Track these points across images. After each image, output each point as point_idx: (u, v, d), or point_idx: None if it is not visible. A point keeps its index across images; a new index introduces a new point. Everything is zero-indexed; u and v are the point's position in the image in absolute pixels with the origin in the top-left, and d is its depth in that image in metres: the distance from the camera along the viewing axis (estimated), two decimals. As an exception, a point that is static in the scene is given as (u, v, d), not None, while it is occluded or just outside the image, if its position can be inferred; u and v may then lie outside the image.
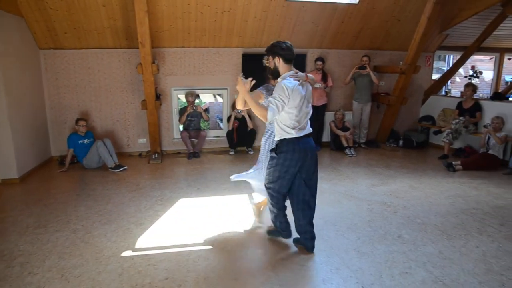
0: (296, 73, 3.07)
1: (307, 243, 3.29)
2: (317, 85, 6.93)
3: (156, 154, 6.56)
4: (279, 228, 3.42)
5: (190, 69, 6.85)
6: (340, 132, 7.04)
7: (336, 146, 7.15)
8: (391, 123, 7.66)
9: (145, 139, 6.91)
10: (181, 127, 7.03)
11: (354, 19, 6.74)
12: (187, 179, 5.49)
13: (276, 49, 3.05)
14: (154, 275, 2.94)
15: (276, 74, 3.17)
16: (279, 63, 3.07)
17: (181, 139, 6.79)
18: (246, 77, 3.14)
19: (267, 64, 3.24)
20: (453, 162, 6.01)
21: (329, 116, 7.37)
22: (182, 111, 6.83)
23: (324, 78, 7.01)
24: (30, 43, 5.95)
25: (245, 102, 3.12)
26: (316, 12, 6.48)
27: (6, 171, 5.24)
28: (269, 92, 3.32)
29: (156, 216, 4.09)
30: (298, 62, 7.16)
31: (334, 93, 7.56)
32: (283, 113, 2.97)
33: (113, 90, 6.63)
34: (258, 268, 3.06)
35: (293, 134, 3.03)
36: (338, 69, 7.47)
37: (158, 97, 6.47)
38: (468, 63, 11.88)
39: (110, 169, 5.80)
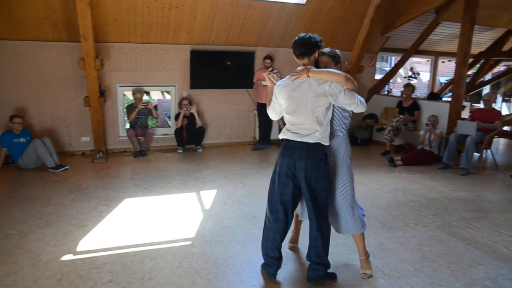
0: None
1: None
2: (265, 83, 6.99)
3: (101, 153, 6.30)
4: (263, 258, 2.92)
5: (137, 65, 6.65)
6: (288, 130, 7.16)
7: (284, 143, 7.26)
8: (336, 121, 7.90)
9: (88, 138, 6.60)
10: (127, 125, 6.81)
11: (302, 19, 6.90)
12: (134, 178, 5.34)
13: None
14: (97, 278, 2.83)
15: None
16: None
17: (127, 137, 6.57)
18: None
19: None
20: (394, 158, 6.34)
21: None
22: (130, 108, 6.61)
23: (273, 77, 7.09)
24: (-43, 34, 5.48)
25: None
26: (265, 11, 6.54)
27: None
28: None
29: (99, 217, 3.94)
30: (246, 60, 7.20)
31: (283, 92, 7.67)
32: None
33: (53, 85, 6.27)
34: (204, 267, 3.04)
35: (288, 134, 2.73)
36: (286, 67, 7.57)
37: (102, 93, 6.21)
38: (408, 65, 12.57)
39: (50, 169, 5.49)
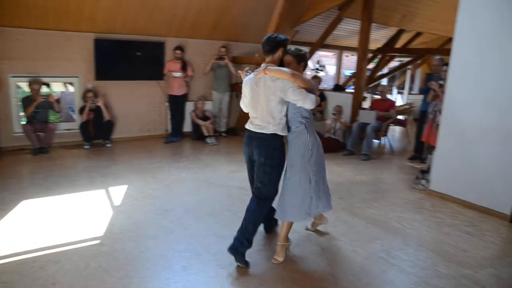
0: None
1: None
2: (177, 74, 6.87)
3: (-8, 151, 5.65)
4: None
5: (32, 53, 6.04)
6: (200, 122, 7.13)
7: (197, 135, 7.23)
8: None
9: (-24, 135, 5.88)
10: (23, 120, 6.18)
11: (212, 9, 6.85)
12: (34, 178, 4.89)
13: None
14: (-12, 288, 2.55)
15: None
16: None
17: (23, 134, 5.96)
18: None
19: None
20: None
21: (189, 106, 7.39)
22: (26, 101, 5.95)
23: (184, 67, 6.99)
24: None
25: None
26: (174, 0, 6.38)
27: None
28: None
29: (-9, 222, 3.55)
30: (156, 50, 6.98)
31: (194, 83, 7.60)
32: None
33: None
34: (114, 265, 2.92)
35: (248, 125, 3.02)
36: (198, 58, 7.52)
37: (-9, 85, 5.56)
38: (316, 58, 13.23)
39: None
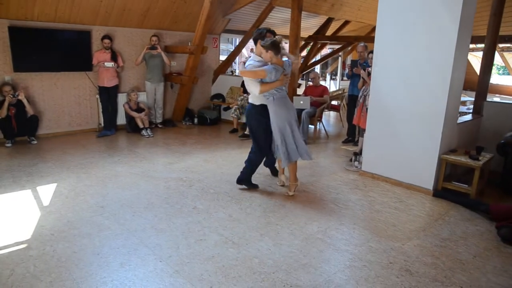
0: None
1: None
2: (109, 64, 6.55)
3: None
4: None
5: None
6: (135, 114, 6.88)
7: (132, 128, 6.97)
8: (185, 102, 7.94)
9: None
10: None
11: (141, -4, 6.59)
12: None
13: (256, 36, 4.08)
14: None
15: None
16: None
17: None
18: None
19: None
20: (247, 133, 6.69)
21: (122, 98, 7.09)
22: None
23: (114, 58, 6.67)
24: None
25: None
26: (98, -14, 6.04)
27: None
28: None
29: None
30: (82, 40, 6.57)
31: (126, 74, 7.30)
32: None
33: None
34: (44, 269, 2.74)
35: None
36: (128, 48, 7.21)
37: None
38: (250, 46, 13.27)
39: None
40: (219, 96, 8.50)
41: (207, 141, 6.66)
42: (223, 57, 10.70)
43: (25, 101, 5.92)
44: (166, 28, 7.64)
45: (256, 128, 4.17)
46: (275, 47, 3.81)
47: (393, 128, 4.70)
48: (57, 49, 6.40)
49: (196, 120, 8.09)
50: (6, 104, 5.77)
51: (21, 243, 3.08)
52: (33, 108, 6.10)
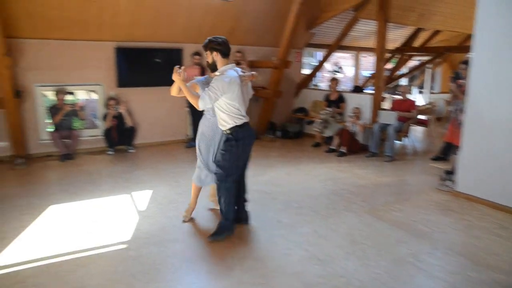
0: (244, 72, 3.45)
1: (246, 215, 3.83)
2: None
3: (21, 159, 5.82)
4: (230, 217, 3.50)
5: (57, 63, 6.22)
6: (221, 126, 7.18)
7: (218, 140, 7.26)
8: (269, 116, 8.09)
9: (6, 143, 6.05)
10: (50, 128, 6.34)
11: (229, 15, 6.93)
12: (60, 184, 5.01)
13: (213, 44, 3.30)
14: (22, 292, 2.63)
15: (214, 68, 3.37)
16: (217, 57, 3.32)
17: (50, 141, 6.14)
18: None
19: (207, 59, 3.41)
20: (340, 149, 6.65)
21: (210, 111, 7.44)
22: (53, 110, 6.13)
23: (203, 73, 7.05)
24: None
25: (180, 90, 3.44)
26: (191, 7, 6.48)
27: None
28: (208, 83, 3.41)
29: (21, 227, 3.65)
30: (175, 56, 7.06)
31: (214, 88, 7.65)
32: (227, 104, 3.25)
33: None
34: (141, 269, 2.96)
35: (244, 120, 3.38)
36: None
37: (18, 94, 5.74)
38: (333, 59, 13.15)
39: (-39, 180, 4.98)
40: (302, 109, 8.53)
41: (290, 154, 6.70)
42: (306, 71, 10.73)
43: (125, 114, 6.51)
44: (251, 44, 7.90)
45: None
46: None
47: (494, 146, 4.29)
48: (153, 66, 6.97)
49: (279, 134, 8.19)
50: (109, 116, 6.41)
51: (122, 243, 3.37)
52: (131, 119, 6.68)
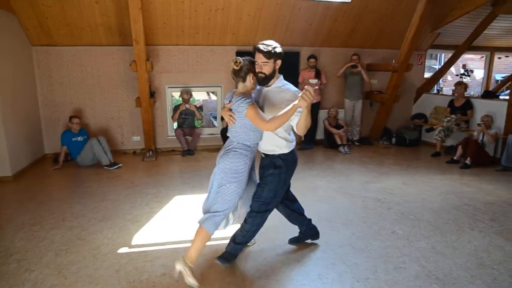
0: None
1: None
2: (313, 81, 6.95)
3: (151, 152, 6.56)
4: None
5: (184, 66, 6.85)
6: (334, 130, 7.09)
7: (330, 143, 7.20)
8: (384, 121, 7.74)
9: (139, 137, 6.90)
10: (175, 125, 7.03)
11: (347, 17, 6.79)
12: (182, 177, 5.50)
13: (281, 52, 2.83)
14: (151, 271, 2.95)
15: (268, 79, 2.81)
16: (278, 67, 2.82)
17: (175, 137, 6.79)
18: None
19: (237, 66, 2.90)
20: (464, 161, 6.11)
21: (322, 114, 7.41)
22: (175, 108, 6.83)
23: (318, 75, 7.05)
24: (22, 40, 5.90)
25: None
26: (310, 11, 6.51)
27: (-1, 168, 5.21)
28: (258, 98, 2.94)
29: (151, 213, 4.10)
30: (291, 60, 7.19)
31: (327, 91, 7.60)
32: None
33: (107, 87, 6.61)
34: (255, 264, 3.09)
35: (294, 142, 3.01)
36: (330, 66, 7.51)
37: (152, 94, 6.46)
38: (460, 62, 12.01)
39: (105, 167, 5.78)
40: (421, 115, 7.96)
41: (406, 162, 6.31)
42: (427, 75, 9.99)
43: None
44: (369, 46, 7.63)
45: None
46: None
47: None
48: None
49: (394, 140, 7.77)
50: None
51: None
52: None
